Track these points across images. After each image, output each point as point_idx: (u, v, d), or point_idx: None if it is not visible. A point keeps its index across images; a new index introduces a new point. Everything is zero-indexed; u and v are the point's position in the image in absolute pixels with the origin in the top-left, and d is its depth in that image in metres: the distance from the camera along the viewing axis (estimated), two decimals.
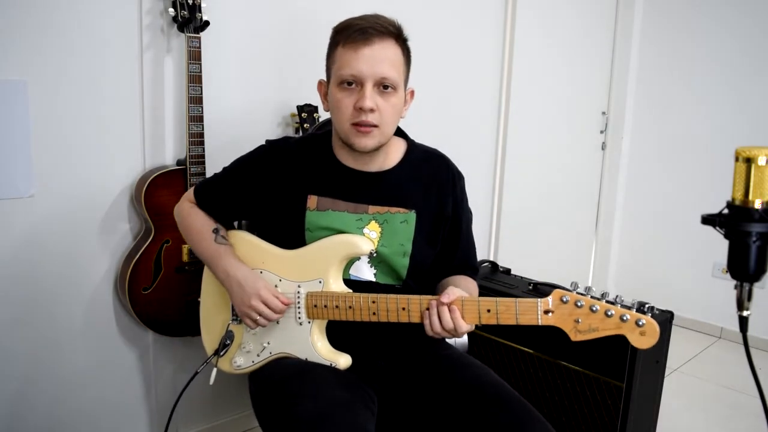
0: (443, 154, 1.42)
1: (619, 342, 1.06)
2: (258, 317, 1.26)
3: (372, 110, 1.20)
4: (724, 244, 0.90)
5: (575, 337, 1.09)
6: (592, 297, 1.09)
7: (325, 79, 1.31)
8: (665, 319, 1.76)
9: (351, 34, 1.20)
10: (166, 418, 1.48)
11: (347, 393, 1.18)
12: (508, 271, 2.09)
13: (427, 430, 1.24)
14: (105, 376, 1.83)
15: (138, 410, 1.92)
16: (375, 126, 1.23)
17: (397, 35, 1.24)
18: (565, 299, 1.09)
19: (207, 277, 1.42)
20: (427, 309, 1.18)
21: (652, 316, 1.06)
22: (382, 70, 1.20)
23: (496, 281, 1.99)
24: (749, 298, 0.89)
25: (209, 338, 1.42)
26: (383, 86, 1.21)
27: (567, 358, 1.81)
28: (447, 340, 1.50)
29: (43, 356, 1.70)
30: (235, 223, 1.47)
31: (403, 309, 1.20)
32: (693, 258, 3.29)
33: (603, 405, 1.75)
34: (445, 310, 1.16)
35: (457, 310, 1.16)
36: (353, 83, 1.21)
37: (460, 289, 1.24)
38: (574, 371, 1.80)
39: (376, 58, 1.19)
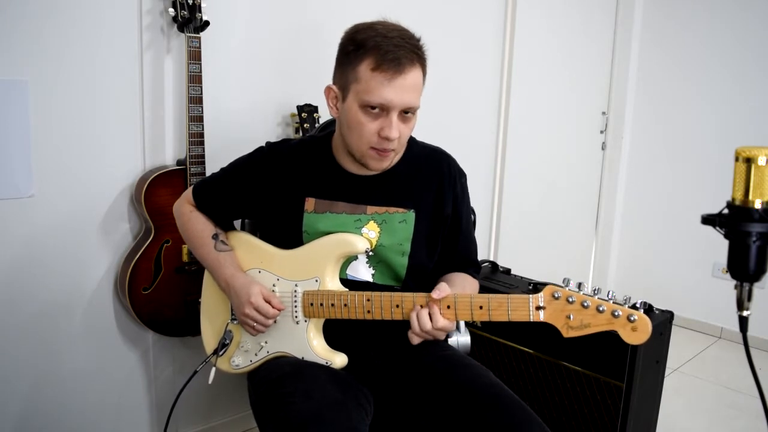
0: (445, 152, 1.42)
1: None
2: (254, 324, 1.27)
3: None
4: (724, 244, 0.89)
5: (567, 333, 1.09)
6: (584, 293, 1.08)
7: (334, 85, 1.26)
8: (665, 319, 1.76)
9: (383, 60, 1.15)
10: (166, 418, 1.48)
11: (341, 393, 1.18)
12: (508, 271, 2.09)
13: (424, 430, 1.24)
14: (105, 376, 1.83)
15: (138, 409, 1.92)
16: (394, 150, 1.24)
17: (424, 59, 1.21)
18: (556, 295, 1.09)
19: (208, 277, 1.43)
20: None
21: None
22: (410, 99, 1.19)
23: (496, 281, 1.99)
24: (749, 298, 0.89)
25: (209, 338, 1.42)
26: (405, 111, 1.21)
27: (567, 358, 1.81)
28: (449, 340, 1.51)
29: (43, 356, 1.70)
30: (238, 223, 1.48)
31: (397, 306, 1.20)
32: (693, 258, 3.29)
33: (603, 405, 1.74)
34: (424, 312, 1.17)
35: (435, 308, 1.16)
36: (378, 109, 1.18)
37: (456, 286, 1.24)
38: (574, 371, 1.80)
39: (406, 89, 1.17)
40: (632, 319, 1.04)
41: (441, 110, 2.51)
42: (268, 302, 1.26)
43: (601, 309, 1.06)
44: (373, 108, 1.18)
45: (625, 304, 1.06)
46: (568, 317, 1.08)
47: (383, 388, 1.31)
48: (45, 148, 1.61)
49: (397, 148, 1.25)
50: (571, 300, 1.08)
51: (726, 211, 0.89)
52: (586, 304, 1.07)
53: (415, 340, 1.19)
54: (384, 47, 1.15)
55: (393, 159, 1.28)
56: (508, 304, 1.13)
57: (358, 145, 1.24)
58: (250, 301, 1.25)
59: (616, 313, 1.05)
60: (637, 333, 1.04)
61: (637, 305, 1.07)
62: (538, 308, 1.10)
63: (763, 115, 3.02)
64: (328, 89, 1.27)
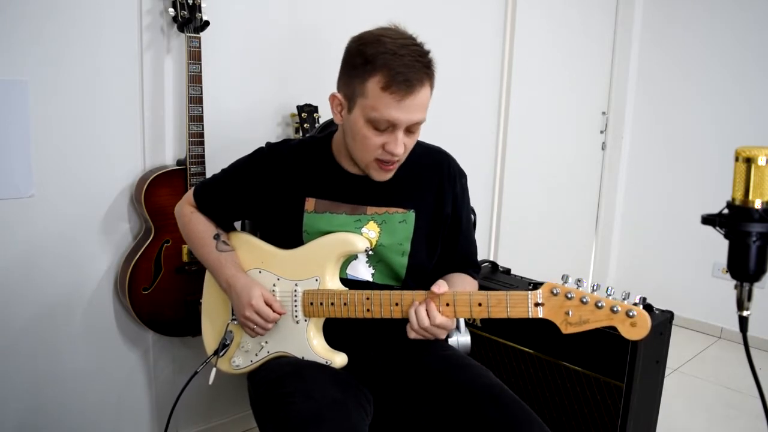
0: (445, 152, 1.42)
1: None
2: (254, 326, 1.28)
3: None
4: (724, 244, 0.89)
5: (566, 329, 1.09)
6: (582, 290, 1.08)
7: (339, 93, 1.24)
8: (665, 319, 1.76)
9: (393, 81, 1.13)
10: (166, 418, 1.48)
11: (341, 393, 1.18)
12: (508, 271, 2.09)
13: (424, 430, 1.24)
14: (105, 376, 1.83)
15: (138, 410, 1.92)
16: (398, 161, 1.24)
17: (433, 75, 1.20)
18: (555, 291, 1.09)
19: (209, 278, 1.43)
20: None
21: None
22: (418, 117, 1.19)
23: (496, 281, 1.99)
24: (749, 298, 0.89)
25: (210, 338, 1.42)
26: (412, 126, 1.20)
27: (567, 358, 1.81)
28: (449, 340, 1.51)
29: (43, 355, 1.70)
30: (238, 224, 1.48)
31: (396, 305, 1.20)
32: (693, 258, 3.29)
33: (603, 405, 1.74)
34: (422, 309, 1.17)
35: (432, 305, 1.16)
36: (385, 125, 1.18)
37: (455, 286, 1.25)
38: (574, 371, 1.80)
39: (414, 107, 1.17)
40: (631, 314, 1.04)
41: (441, 110, 2.50)
42: (270, 306, 1.26)
43: (599, 305, 1.06)
44: (380, 124, 1.18)
45: (624, 300, 1.06)
46: (567, 313, 1.08)
47: (383, 388, 1.31)
48: (45, 148, 1.61)
49: (401, 158, 1.25)
50: (569, 296, 1.08)
51: (726, 211, 0.89)
52: (585, 300, 1.07)
53: (412, 335, 1.19)
54: (395, 68, 1.13)
55: (396, 168, 1.28)
56: (507, 301, 1.13)
57: (362, 157, 1.24)
58: (251, 303, 1.25)
59: (615, 309, 1.05)
60: (637, 328, 1.04)
61: (636, 301, 1.07)
62: (537, 305, 1.11)
63: (763, 115, 3.02)
64: (332, 97, 1.26)
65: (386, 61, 1.14)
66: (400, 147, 1.19)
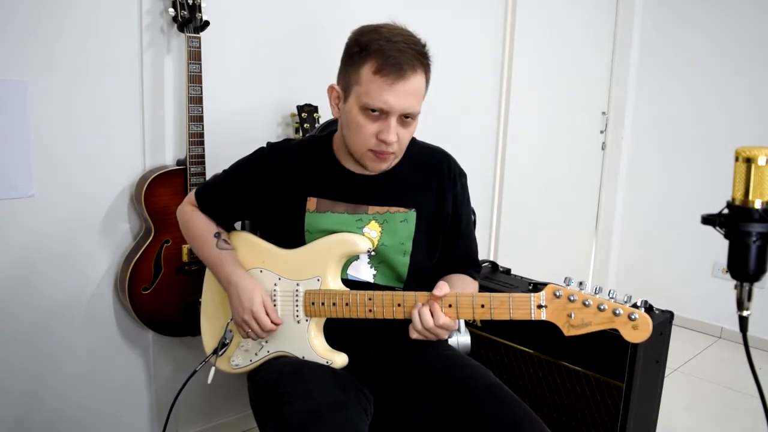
0: (445, 152, 1.42)
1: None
2: (248, 330, 1.28)
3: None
4: (724, 244, 0.90)
5: (568, 331, 1.09)
6: (585, 292, 1.09)
7: (337, 85, 1.26)
8: (665, 319, 1.76)
9: (385, 64, 1.15)
10: (165, 418, 1.49)
11: (341, 392, 1.18)
12: (508, 271, 2.09)
13: (424, 429, 1.24)
14: (105, 376, 1.83)
15: (138, 409, 1.92)
16: (393, 153, 1.24)
17: (428, 65, 1.22)
18: (558, 294, 1.09)
19: (209, 277, 1.43)
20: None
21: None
22: (410, 105, 1.19)
23: (496, 281, 1.99)
24: (749, 298, 0.89)
25: (209, 337, 1.42)
26: (405, 116, 1.21)
27: (567, 358, 1.81)
28: (449, 341, 1.51)
29: (43, 355, 1.70)
30: (239, 224, 1.48)
31: (399, 305, 1.20)
32: (693, 258, 3.29)
33: (603, 405, 1.74)
34: (426, 309, 1.17)
35: (437, 306, 1.16)
36: (378, 112, 1.19)
37: (456, 287, 1.25)
38: (574, 371, 1.80)
39: (406, 94, 1.17)
40: (633, 317, 1.04)
41: (441, 110, 2.51)
42: (268, 314, 1.26)
43: (602, 308, 1.06)
44: (373, 111, 1.18)
45: (626, 303, 1.07)
46: (570, 316, 1.09)
47: (383, 387, 1.31)
48: (45, 148, 1.61)
49: (396, 151, 1.25)
50: (572, 299, 1.08)
51: (726, 211, 0.89)
52: (587, 303, 1.07)
53: (414, 335, 1.19)
54: (387, 51, 1.15)
55: (391, 162, 1.28)
56: (510, 303, 1.13)
57: (356, 146, 1.24)
58: (252, 309, 1.26)
59: (617, 312, 1.05)
60: (638, 331, 1.05)
61: (638, 304, 1.07)
62: (540, 307, 1.11)
63: (763, 115, 3.02)
64: (330, 88, 1.27)
65: (380, 46, 1.16)
66: (393, 134, 1.19)
